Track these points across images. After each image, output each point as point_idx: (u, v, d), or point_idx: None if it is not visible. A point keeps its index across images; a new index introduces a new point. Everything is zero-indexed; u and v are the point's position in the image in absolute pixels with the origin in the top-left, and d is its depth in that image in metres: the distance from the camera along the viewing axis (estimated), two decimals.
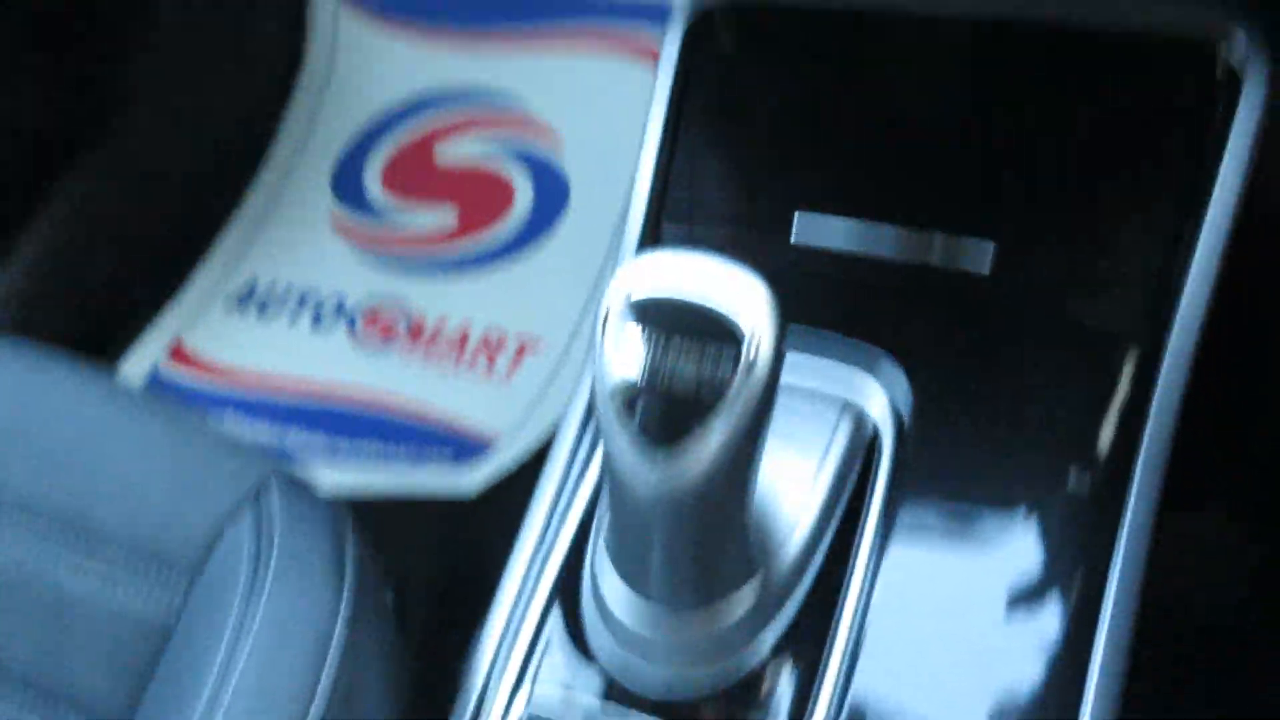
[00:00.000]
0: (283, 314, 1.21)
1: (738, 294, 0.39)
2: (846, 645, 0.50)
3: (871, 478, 0.54)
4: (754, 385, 0.39)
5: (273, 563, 0.47)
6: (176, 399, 1.16)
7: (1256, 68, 0.57)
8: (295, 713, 0.45)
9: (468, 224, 1.25)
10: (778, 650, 0.50)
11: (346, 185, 1.29)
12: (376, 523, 1.05)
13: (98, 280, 1.16)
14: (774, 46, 0.65)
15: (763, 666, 0.50)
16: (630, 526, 0.45)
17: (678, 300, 0.39)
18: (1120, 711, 0.49)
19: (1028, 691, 0.49)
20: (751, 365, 0.38)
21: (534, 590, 0.53)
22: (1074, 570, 0.53)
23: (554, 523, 0.56)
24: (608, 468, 0.43)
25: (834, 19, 0.64)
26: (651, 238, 0.61)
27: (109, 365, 1.18)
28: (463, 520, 1.04)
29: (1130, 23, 0.59)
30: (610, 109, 1.25)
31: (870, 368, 0.55)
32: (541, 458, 0.61)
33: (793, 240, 0.59)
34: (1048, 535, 0.54)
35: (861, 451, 0.55)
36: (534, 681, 0.53)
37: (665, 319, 0.39)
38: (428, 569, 1.01)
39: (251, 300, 1.22)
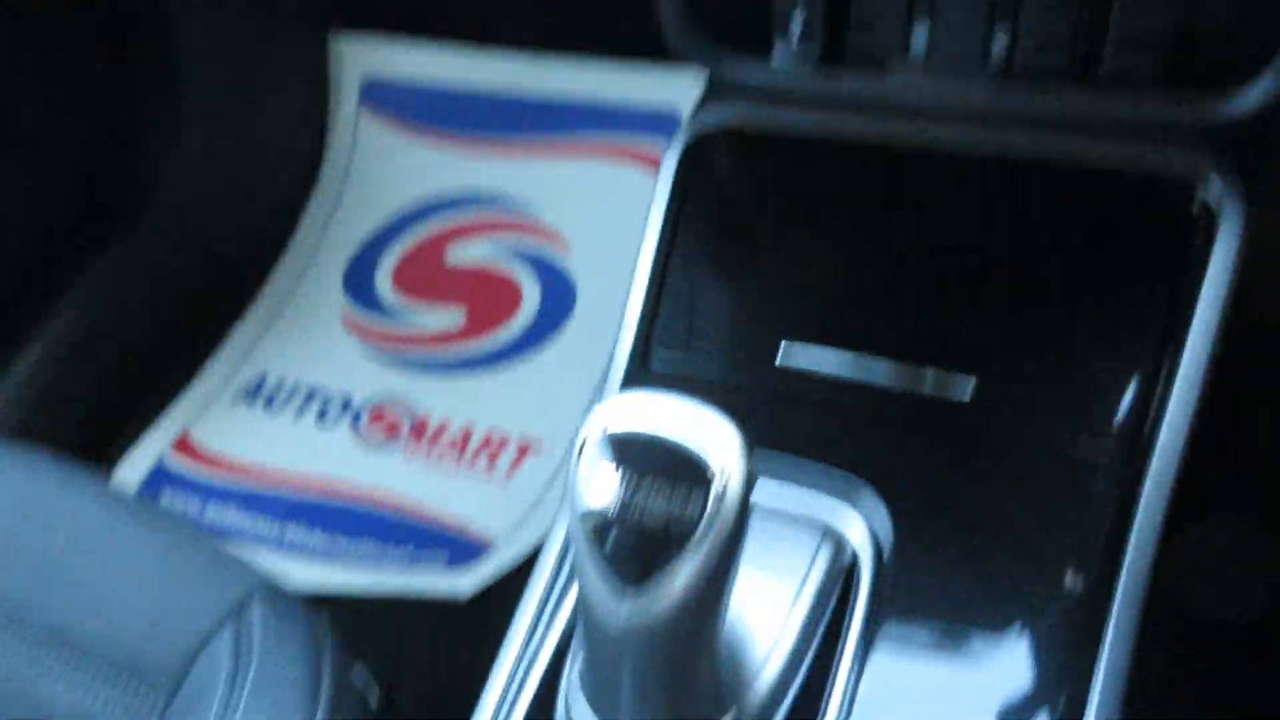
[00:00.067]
0: (289, 409, 1.23)
1: (709, 435, 0.40)
2: None
3: (850, 606, 0.54)
4: (722, 525, 0.39)
5: (249, 680, 0.48)
6: (179, 492, 1.17)
7: (1232, 208, 0.58)
8: None
9: (475, 325, 1.27)
10: None
11: (358, 284, 1.32)
12: (370, 623, 1.06)
13: (111, 371, 1.18)
14: (766, 172, 0.68)
15: None
16: (601, 658, 0.45)
17: (651, 437, 0.40)
18: None
19: None
20: (720, 505, 0.39)
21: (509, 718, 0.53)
22: (1056, 699, 0.53)
23: (533, 644, 0.57)
24: (580, 597, 0.44)
25: (824, 147, 0.66)
26: (640, 362, 0.62)
27: (117, 454, 1.19)
28: (457, 622, 1.04)
29: (1110, 161, 0.61)
30: (618, 216, 1.28)
31: (850, 497, 0.56)
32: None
33: (778, 363, 0.61)
34: (1028, 663, 0.54)
35: (840, 579, 0.55)
36: None
37: (639, 455, 0.41)
38: (421, 671, 1.01)
39: (259, 394, 1.24)
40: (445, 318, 1.28)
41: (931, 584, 0.55)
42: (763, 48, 0.66)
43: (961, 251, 0.62)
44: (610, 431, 0.41)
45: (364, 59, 1.40)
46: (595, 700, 0.47)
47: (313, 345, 1.28)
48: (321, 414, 1.22)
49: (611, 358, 0.63)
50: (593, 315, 1.25)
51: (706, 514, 0.39)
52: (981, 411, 0.58)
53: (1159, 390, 0.56)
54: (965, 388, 0.58)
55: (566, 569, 0.57)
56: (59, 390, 1.12)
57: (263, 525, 1.13)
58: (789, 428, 0.59)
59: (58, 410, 1.12)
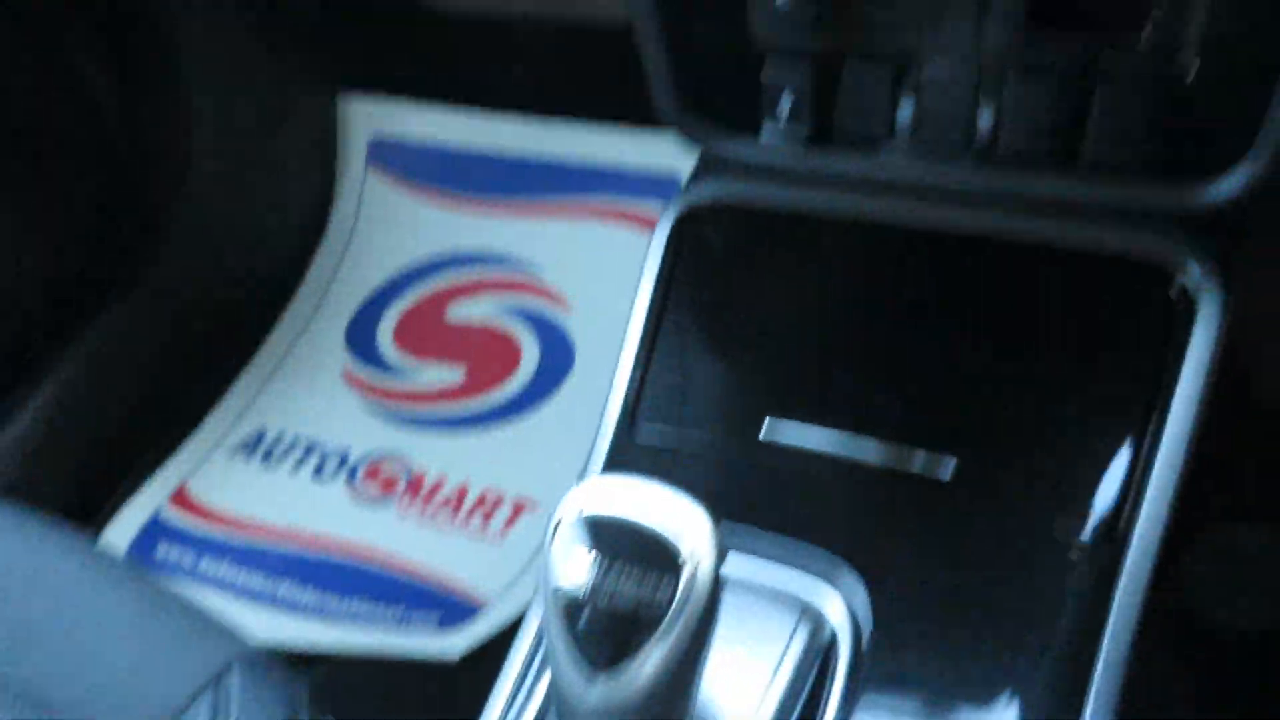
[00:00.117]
0: (287, 463, 1.23)
1: (682, 522, 0.41)
2: None
3: (827, 685, 0.54)
4: (691, 612, 0.40)
5: None
6: (175, 545, 1.17)
7: (1210, 294, 0.59)
8: None
9: (474, 382, 1.28)
10: None
11: (360, 339, 1.34)
12: (360, 682, 1.05)
13: (111, 423, 1.19)
14: (755, 247, 0.69)
15: None
16: None
17: (624, 522, 0.41)
18: None
19: None
20: (689, 593, 0.40)
21: None
22: None
23: (512, 712, 0.57)
24: (552, 677, 0.44)
25: (810, 223, 0.67)
26: (626, 435, 0.63)
27: (115, 507, 1.20)
28: (448, 682, 1.04)
29: (1090, 244, 0.62)
30: (617, 276, 1.28)
31: (829, 576, 0.56)
32: None
33: (761, 437, 0.61)
34: None
35: (818, 657, 0.55)
36: None
37: (612, 538, 0.41)
38: None
39: (258, 448, 1.25)
40: (445, 375, 1.29)
41: (909, 663, 0.55)
42: (753, 126, 0.68)
43: (945, 330, 0.62)
44: (585, 514, 0.41)
45: (372, 119, 1.43)
46: None
47: (313, 400, 1.29)
48: (318, 469, 1.23)
49: (598, 430, 0.64)
50: (590, 375, 1.26)
51: (676, 601, 0.39)
52: (962, 491, 0.58)
53: (1138, 474, 0.56)
54: (946, 467, 0.58)
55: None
56: (58, 444, 1.13)
57: (256, 581, 1.13)
58: (771, 503, 0.59)
59: (56, 464, 1.13)
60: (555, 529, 0.42)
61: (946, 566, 0.57)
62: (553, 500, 1.19)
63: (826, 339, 0.64)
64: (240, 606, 1.10)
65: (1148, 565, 0.56)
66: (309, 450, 1.25)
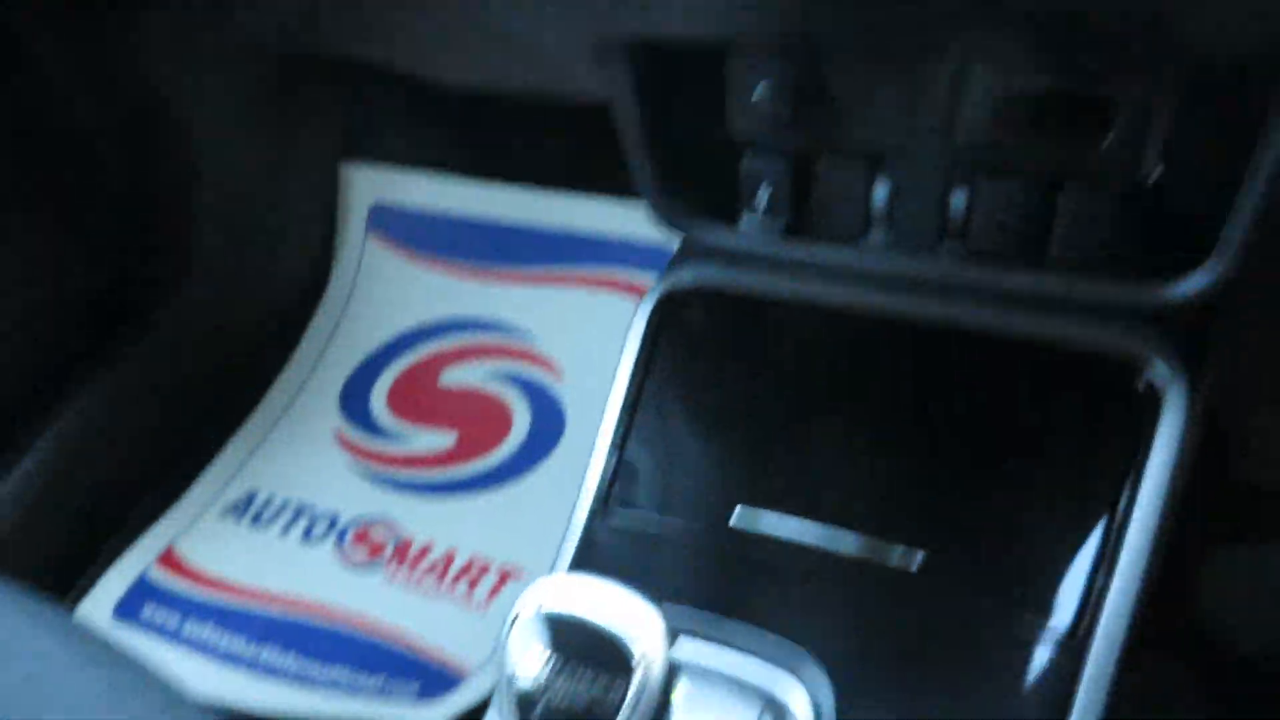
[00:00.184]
0: (276, 525, 1.24)
1: (636, 624, 0.42)
2: None
3: None
4: (642, 715, 0.40)
5: None
6: (161, 607, 1.17)
7: (1176, 390, 0.60)
8: None
9: (465, 447, 1.29)
10: None
11: (354, 402, 1.35)
12: None
13: (103, 485, 1.20)
14: (732, 332, 0.70)
15: None
16: None
17: (580, 621, 0.42)
18: None
19: None
20: (640, 695, 0.40)
21: None
22: None
23: None
24: None
25: (786, 311, 0.69)
26: (600, 517, 0.64)
27: (101, 567, 1.20)
28: None
29: (1058, 338, 0.63)
30: (610, 345, 1.30)
31: (793, 667, 0.57)
32: None
33: (731, 524, 0.62)
34: None
35: None
36: None
37: (568, 636, 0.42)
38: None
39: (248, 510, 1.26)
40: (436, 439, 1.30)
41: None
42: (733, 214, 0.70)
43: (916, 420, 0.63)
44: (542, 611, 0.42)
45: (374, 186, 1.46)
46: None
47: (304, 462, 1.29)
48: (308, 532, 1.23)
49: (572, 512, 0.65)
50: (581, 442, 1.26)
51: (626, 703, 0.40)
52: (929, 583, 0.58)
53: (1103, 570, 0.57)
54: (914, 559, 0.59)
55: None
56: (48, 503, 1.14)
57: (239, 644, 1.13)
58: (738, 590, 0.60)
59: (46, 523, 1.14)
60: (513, 623, 0.43)
61: (911, 659, 0.57)
62: (539, 568, 1.20)
63: (799, 427, 0.65)
64: (222, 671, 1.10)
65: (1112, 661, 0.56)
66: (299, 513, 1.25)
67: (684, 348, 0.70)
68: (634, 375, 0.68)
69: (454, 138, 1.40)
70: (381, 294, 1.42)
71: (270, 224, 1.38)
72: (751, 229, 0.68)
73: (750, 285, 0.70)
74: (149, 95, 1.20)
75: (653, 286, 0.71)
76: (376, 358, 1.38)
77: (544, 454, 1.27)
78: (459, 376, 1.34)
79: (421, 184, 1.43)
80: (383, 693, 1.06)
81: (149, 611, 1.17)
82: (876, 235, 0.66)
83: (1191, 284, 0.59)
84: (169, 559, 1.21)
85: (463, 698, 1.05)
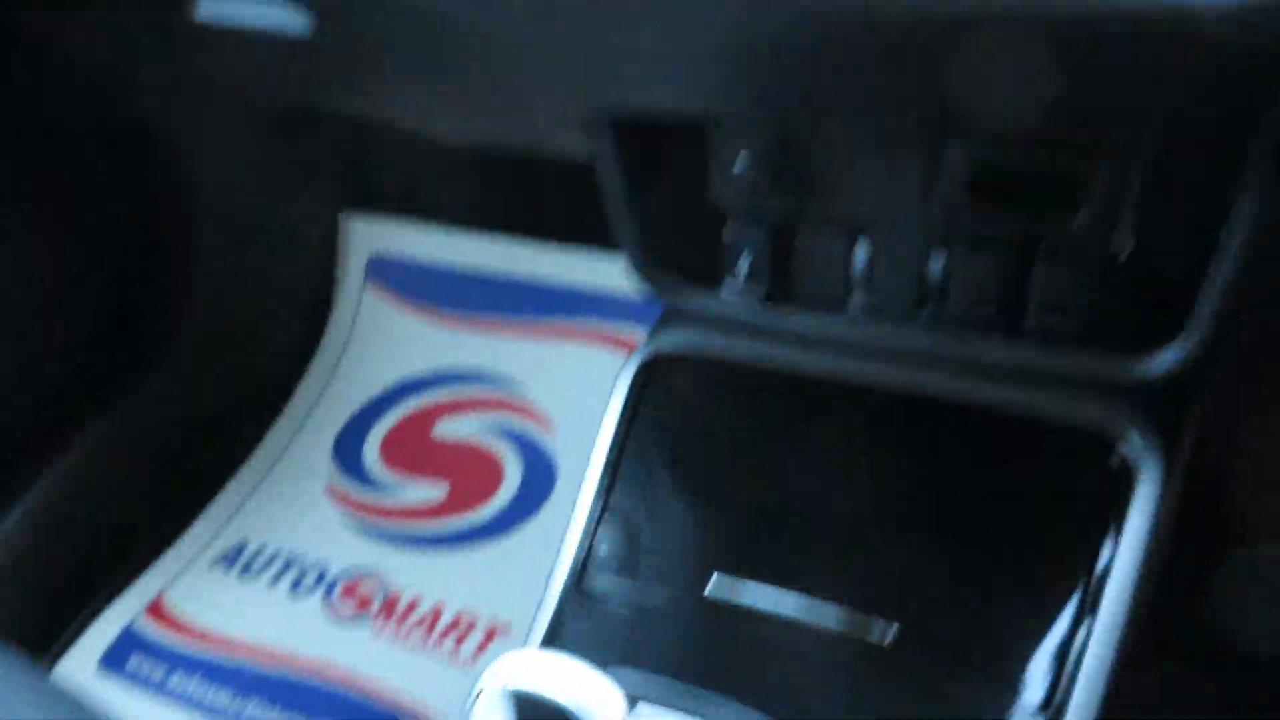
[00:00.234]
0: (264, 576, 1.24)
1: (597, 704, 0.42)
2: None
3: None
4: None
5: None
6: (147, 658, 1.17)
7: (1150, 464, 0.60)
8: None
9: (456, 501, 1.29)
10: None
11: (347, 453, 1.35)
12: None
13: (94, 534, 1.20)
14: (712, 398, 0.71)
15: None
16: None
17: (542, 699, 0.42)
18: None
19: None
20: None
21: None
22: None
23: None
24: None
25: (764, 377, 0.69)
26: (577, 583, 0.64)
27: (90, 618, 1.20)
28: None
29: (1034, 410, 0.63)
30: (602, 399, 1.31)
31: None
32: None
33: (707, 593, 0.62)
34: None
35: None
36: None
37: (530, 713, 0.42)
38: None
39: (237, 561, 1.25)
40: (428, 492, 1.30)
41: None
42: (716, 280, 0.71)
43: (891, 492, 0.64)
44: (507, 687, 0.42)
45: (373, 236, 1.47)
46: None
47: (296, 513, 1.30)
48: (296, 584, 1.23)
49: (549, 579, 0.65)
50: (571, 498, 1.26)
51: None
52: (902, 657, 0.58)
53: (1076, 646, 0.57)
54: (888, 632, 0.59)
55: None
56: (39, 552, 1.14)
57: (224, 698, 1.12)
58: (711, 660, 0.60)
59: (36, 572, 1.14)
60: (477, 697, 0.43)
61: None
62: (526, 625, 1.19)
63: (774, 496, 0.65)
64: None
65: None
66: (288, 564, 1.25)
67: (666, 413, 0.71)
68: (615, 440, 0.69)
69: (453, 189, 1.42)
70: (378, 344, 1.43)
71: (269, 272, 1.39)
72: (733, 295, 0.69)
73: (732, 351, 0.71)
74: (151, 142, 1.22)
75: (636, 350, 0.72)
76: (371, 408, 1.39)
77: (534, 508, 1.27)
78: (452, 428, 1.35)
79: (420, 235, 1.45)
80: None
81: (135, 663, 1.17)
82: (855, 305, 0.67)
83: (1165, 358, 0.60)
84: (157, 609, 1.21)
85: None
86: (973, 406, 0.64)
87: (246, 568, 1.24)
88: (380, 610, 1.19)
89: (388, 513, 1.29)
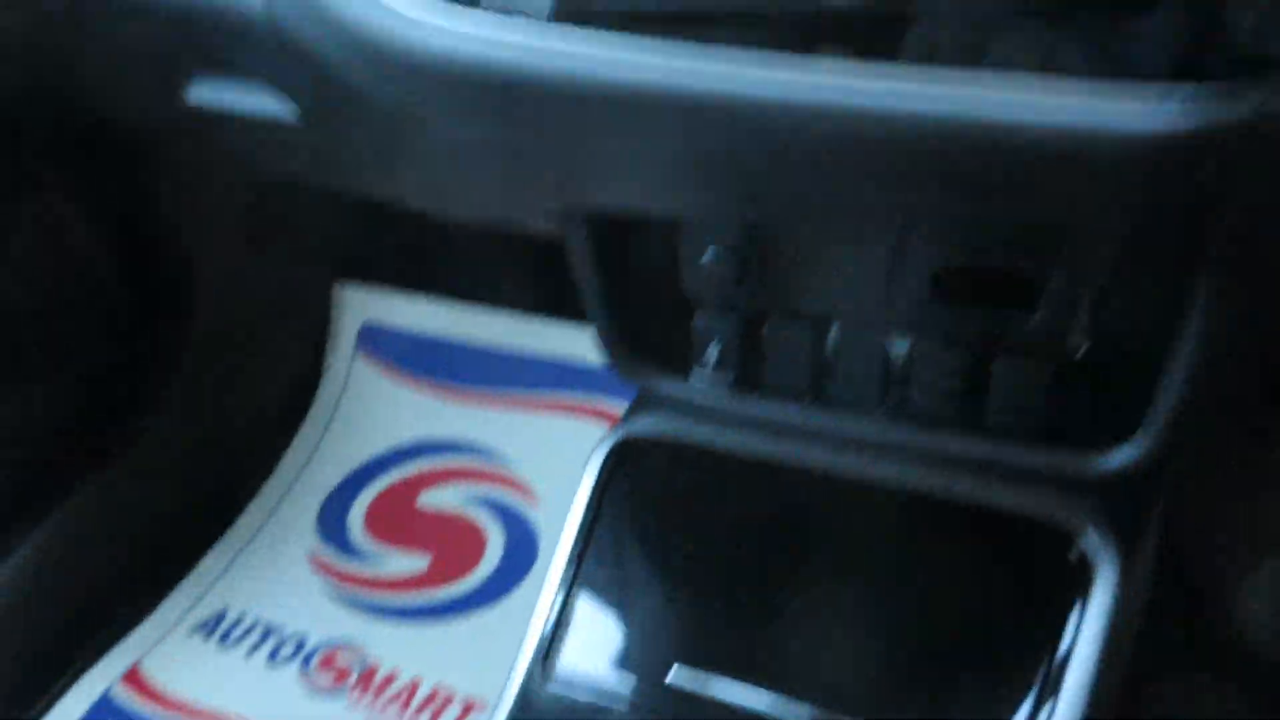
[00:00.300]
0: (242, 646, 1.23)
1: None
2: None
3: None
4: None
5: None
6: None
7: (1107, 559, 0.61)
8: None
9: (437, 572, 1.29)
10: None
11: (331, 522, 1.35)
12: None
13: (73, 599, 1.20)
14: (678, 484, 0.72)
15: None
16: None
17: None
18: None
19: None
20: None
21: None
22: None
23: None
24: None
25: (731, 464, 0.70)
26: (541, 671, 0.64)
27: (68, 684, 1.19)
28: None
29: (994, 503, 0.64)
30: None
31: None
32: None
33: (668, 681, 0.62)
34: None
35: None
36: None
37: None
38: None
39: (216, 629, 1.25)
40: (410, 563, 1.30)
41: None
42: (686, 367, 0.72)
43: (854, 583, 0.64)
44: None
45: (365, 306, 1.49)
46: None
47: (277, 582, 1.29)
48: (273, 653, 1.22)
49: (512, 666, 0.65)
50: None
51: None
52: None
53: None
54: None
55: None
56: (17, 617, 1.13)
57: None
58: None
59: (12, 637, 1.14)
60: None
61: None
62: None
63: (736, 586, 0.65)
64: None
65: None
66: (267, 634, 1.24)
67: (635, 498, 0.72)
68: (584, 524, 0.69)
69: (444, 262, 1.44)
70: (366, 413, 1.44)
71: (263, 350, 1.41)
72: (702, 383, 0.70)
73: (701, 438, 0.72)
74: (156, 223, 1.24)
75: (605, 435, 0.73)
76: (356, 476, 1.39)
77: (516, 581, 1.27)
78: (436, 499, 1.35)
79: (413, 306, 1.47)
80: None
81: None
82: (821, 394, 0.68)
83: (1122, 455, 0.61)
84: (133, 678, 1.20)
85: None
86: (937, 499, 0.65)
87: (225, 637, 1.24)
88: (357, 682, 1.18)
89: (369, 583, 1.28)
